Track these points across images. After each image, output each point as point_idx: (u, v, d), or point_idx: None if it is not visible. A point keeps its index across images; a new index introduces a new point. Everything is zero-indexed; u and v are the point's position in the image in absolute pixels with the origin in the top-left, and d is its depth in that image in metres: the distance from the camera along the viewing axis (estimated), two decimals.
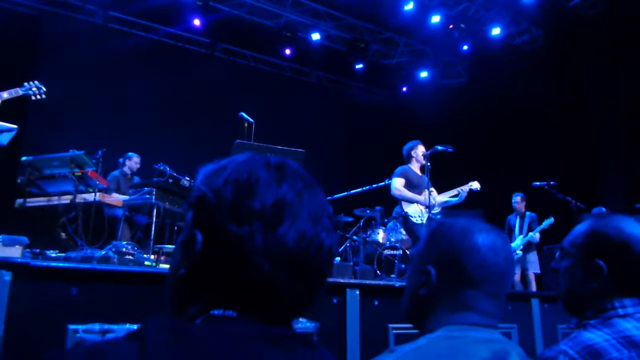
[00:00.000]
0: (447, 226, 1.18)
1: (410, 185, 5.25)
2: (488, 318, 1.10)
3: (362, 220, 7.35)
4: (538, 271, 7.14)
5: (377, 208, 7.60)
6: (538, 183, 6.27)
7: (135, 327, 1.66)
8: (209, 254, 0.74)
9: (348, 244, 7.43)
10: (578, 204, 6.25)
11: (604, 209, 6.23)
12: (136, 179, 6.48)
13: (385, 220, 7.67)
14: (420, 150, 5.36)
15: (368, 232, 7.27)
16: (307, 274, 0.77)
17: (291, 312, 0.79)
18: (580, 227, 1.40)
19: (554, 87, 8.74)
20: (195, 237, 0.75)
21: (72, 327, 1.55)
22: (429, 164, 5.15)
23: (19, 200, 5.05)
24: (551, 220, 6.99)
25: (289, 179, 0.78)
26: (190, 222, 0.79)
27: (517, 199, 7.43)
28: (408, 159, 5.44)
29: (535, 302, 3.04)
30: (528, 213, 7.35)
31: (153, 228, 4.83)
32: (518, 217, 7.38)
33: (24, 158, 5.03)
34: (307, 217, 0.76)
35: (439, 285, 1.13)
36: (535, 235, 7.08)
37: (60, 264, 1.68)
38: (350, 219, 7.64)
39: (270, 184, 0.76)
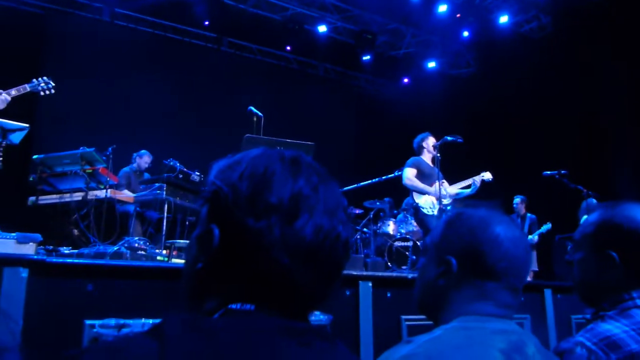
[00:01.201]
0: (467, 216, 1.17)
1: (422, 176, 5.23)
2: (505, 309, 1.10)
3: (372, 212, 7.35)
4: (536, 269, 7.44)
5: (386, 199, 7.60)
6: (549, 172, 6.22)
7: (150, 321, 1.68)
8: (226, 248, 0.75)
9: (358, 236, 7.44)
10: (590, 192, 6.19)
11: (595, 201, 6.20)
12: (146, 175, 6.52)
13: (395, 211, 7.67)
14: (431, 141, 5.34)
15: (378, 224, 7.27)
16: (324, 267, 0.77)
17: (308, 305, 0.80)
18: (591, 218, 1.38)
19: (563, 75, 8.64)
20: (212, 232, 0.75)
21: (88, 322, 1.56)
22: (438, 154, 5.13)
23: (32, 198, 5.10)
24: (549, 225, 7.41)
25: (304, 172, 0.78)
26: (205, 216, 0.79)
27: (518, 201, 7.76)
28: (419, 150, 5.42)
29: (548, 293, 3.03)
30: (528, 215, 7.68)
31: (164, 223, 4.86)
32: (519, 219, 7.63)
33: (35, 156, 5.07)
34: (323, 211, 0.76)
35: (458, 276, 1.12)
36: (534, 238, 7.42)
37: (76, 261, 1.70)
38: (360, 211, 7.64)
39: (286, 178, 0.76)
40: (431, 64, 11.20)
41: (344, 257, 0.80)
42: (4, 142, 3.74)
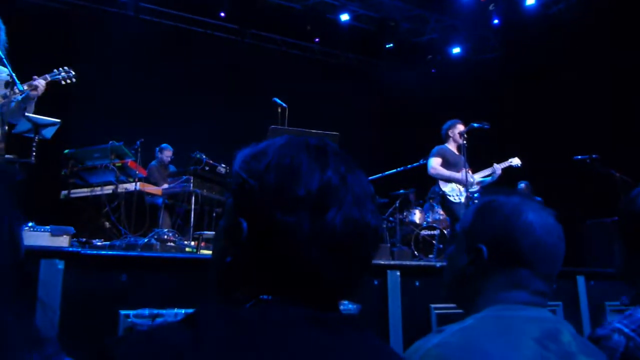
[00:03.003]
0: (498, 204, 1.15)
1: (447, 164, 5.18)
2: (539, 297, 1.08)
3: (398, 201, 7.32)
4: None
5: (410, 189, 7.56)
6: (580, 157, 6.07)
7: (182, 311, 1.71)
8: (255, 241, 0.74)
9: (384, 225, 7.43)
10: (622, 177, 6.03)
11: None
12: (171, 168, 6.62)
13: (420, 201, 7.64)
14: (459, 128, 5.25)
15: (404, 213, 7.25)
16: (354, 258, 0.77)
17: (338, 295, 0.80)
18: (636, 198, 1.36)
19: (593, 56, 8.40)
20: (241, 225, 0.75)
21: (123, 312, 1.60)
22: (465, 142, 5.07)
23: (64, 192, 5.24)
24: None
25: (331, 162, 0.77)
26: (232, 209, 0.79)
27: (522, 187, 7.81)
28: (446, 138, 5.36)
29: (580, 279, 2.97)
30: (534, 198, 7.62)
31: (192, 215, 4.94)
32: None
33: (66, 150, 5.19)
34: (352, 201, 0.75)
35: (490, 264, 1.11)
36: None
37: (110, 252, 1.74)
38: (385, 200, 7.62)
39: (314, 169, 0.75)
40: (456, 50, 11.02)
41: (373, 247, 0.80)
42: (37, 137, 3.83)
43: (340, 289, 0.78)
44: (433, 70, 11.49)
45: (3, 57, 3.26)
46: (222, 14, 9.48)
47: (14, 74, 3.32)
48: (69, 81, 3.83)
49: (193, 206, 4.99)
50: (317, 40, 10.40)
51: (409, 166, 6.78)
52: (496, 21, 9.65)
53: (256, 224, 0.74)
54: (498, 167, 5.29)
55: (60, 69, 3.78)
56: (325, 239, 0.72)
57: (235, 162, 0.81)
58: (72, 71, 3.82)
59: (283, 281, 0.74)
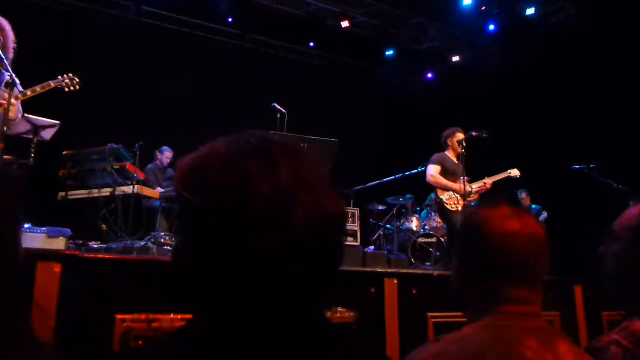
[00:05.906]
0: (474, 214, 1.17)
1: (446, 172, 5.17)
2: (529, 305, 1.08)
3: (395, 209, 7.31)
4: None
5: (408, 196, 7.56)
6: (578, 166, 6.08)
7: (179, 316, 1.70)
8: (219, 263, 0.70)
9: (382, 233, 7.42)
10: (620, 187, 6.04)
11: None
12: (170, 172, 6.60)
13: (417, 208, 7.63)
14: (457, 137, 5.24)
15: (402, 221, 7.24)
16: (327, 254, 0.72)
17: (320, 298, 0.75)
18: (635, 210, 1.35)
19: (592, 67, 8.43)
20: (201, 248, 0.71)
21: (120, 316, 1.59)
22: (463, 151, 5.07)
23: (62, 193, 5.22)
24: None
25: (280, 162, 0.71)
26: (186, 231, 0.74)
27: (523, 195, 8.26)
28: (445, 145, 5.35)
29: (578, 289, 2.97)
30: (533, 206, 8.14)
31: None
32: None
33: (65, 152, 5.18)
34: (312, 198, 0.70)
35: (475, 274, 1.12)
36: None
37: (108, 256, 1.73)
38: (383, 208, 7.61)
39: (264, 175, 0.69)
40: (455, 58, 11.05)
41: (343, 234, 0.76)
42: (36, 139, 3.82)
43: (322, 284, 0.73)
44: (433, 78, 11.52)
45: (2, 57, 3.25)
46: (224, 19, 9.51)
47: (14, 75, 3.30)
48: (72, 88, 3.82)
49: None
50: (317, 46, 10.41)
51: (408, 173, 6.79)
52: (492, 27, 9.69)
53: (214, 247, 0.69)
54: (489, 182, 5.33)
55: (65, 75, 3.78)
56: (292, 248, 0.67)
57: (177, 178, 0.75)
58: (76, 79, 3.82)
59: (265, 296, 0.69)
